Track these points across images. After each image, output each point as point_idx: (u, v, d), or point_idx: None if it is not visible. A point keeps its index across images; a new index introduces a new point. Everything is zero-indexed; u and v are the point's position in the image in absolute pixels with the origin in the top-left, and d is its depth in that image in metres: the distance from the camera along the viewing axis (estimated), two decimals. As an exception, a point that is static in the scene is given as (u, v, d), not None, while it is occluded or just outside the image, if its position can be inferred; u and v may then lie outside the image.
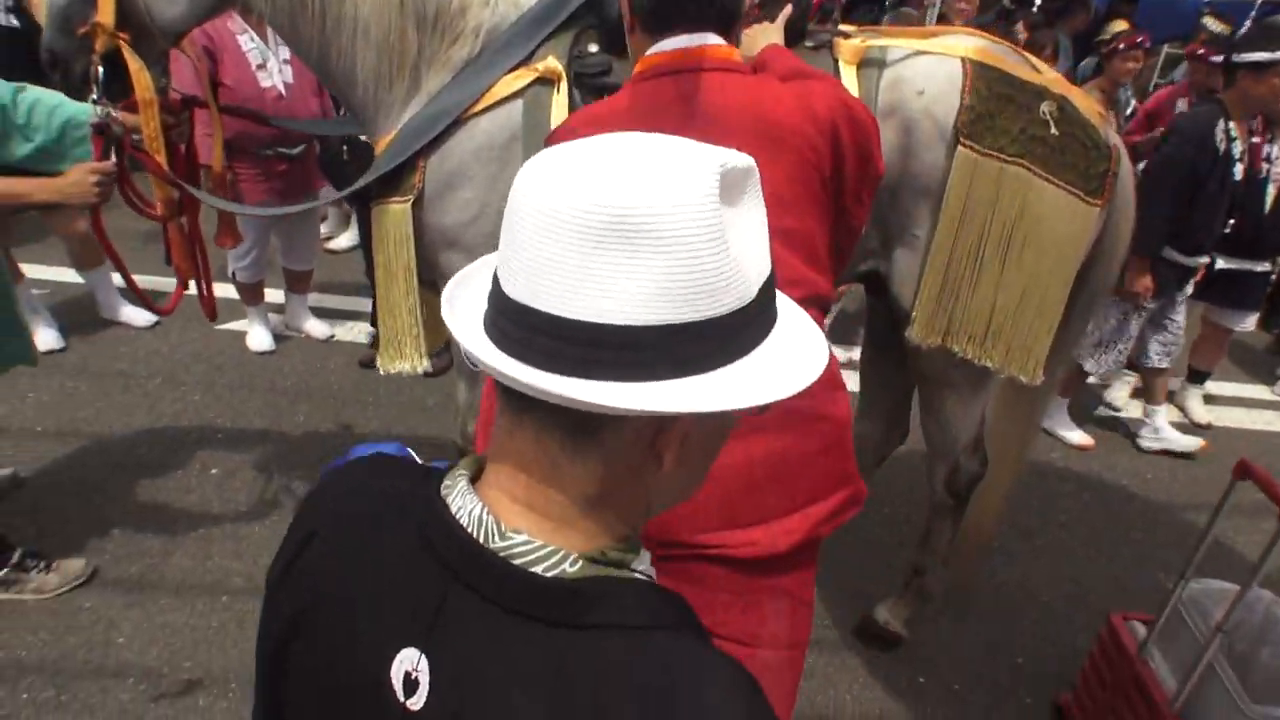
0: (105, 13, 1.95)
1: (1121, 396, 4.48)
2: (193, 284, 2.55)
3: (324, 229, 5.15)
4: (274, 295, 4.20)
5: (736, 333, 0.60)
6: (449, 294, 0.69)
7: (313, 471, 3.12)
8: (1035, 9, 7.01)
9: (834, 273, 1.65)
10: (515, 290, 0.60)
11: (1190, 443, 4.09)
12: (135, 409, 3.50)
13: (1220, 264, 3.85)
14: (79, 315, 4.14)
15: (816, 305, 1.51)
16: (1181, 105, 4.73)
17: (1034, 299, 2.11)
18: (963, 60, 2.07)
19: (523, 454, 0.64)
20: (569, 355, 0.57)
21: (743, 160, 0.62)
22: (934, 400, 2.40)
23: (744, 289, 0.60)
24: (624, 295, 0.56)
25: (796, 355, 0.66)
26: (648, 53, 1.50)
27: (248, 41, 3.35)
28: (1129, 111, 5.05)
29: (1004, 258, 2.07)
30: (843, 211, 1.61)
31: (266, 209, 3.28)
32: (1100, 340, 3.92)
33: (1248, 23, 6.27)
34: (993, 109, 2.04)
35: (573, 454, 0.62)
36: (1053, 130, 2.06)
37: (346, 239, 5.24)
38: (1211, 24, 5.70)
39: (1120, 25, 5.83)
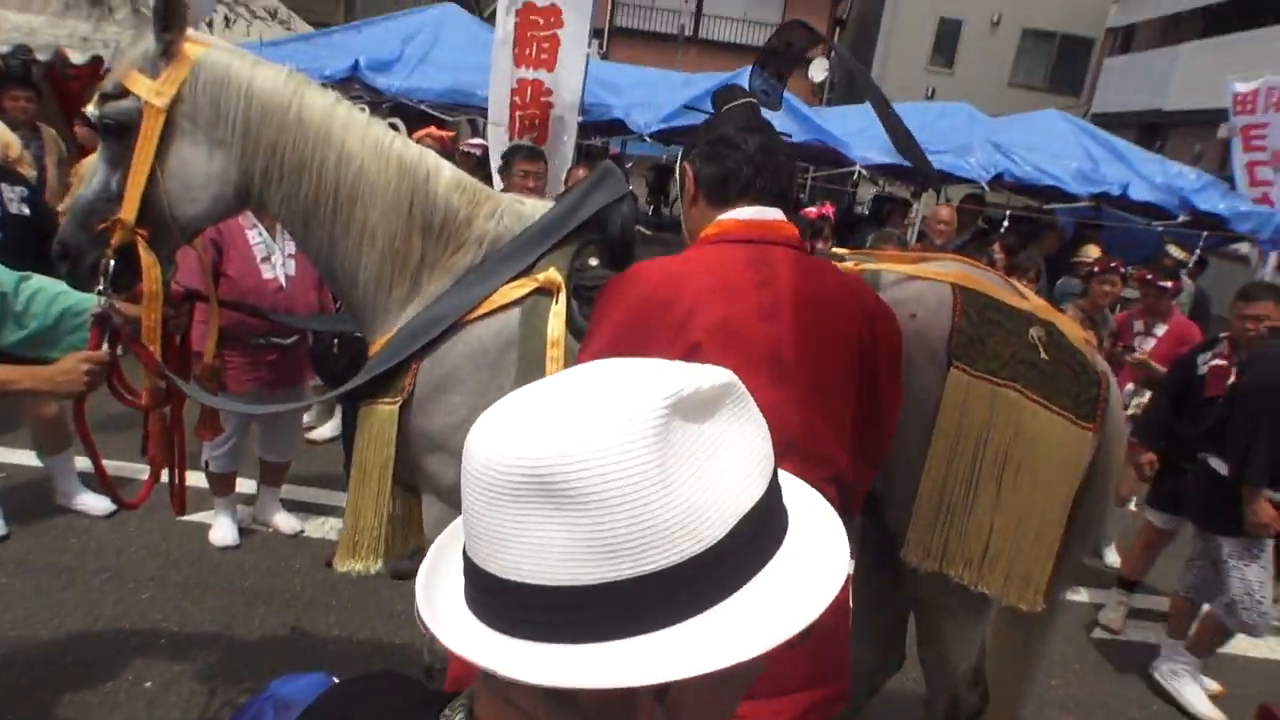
0: (129, 210, 1.99)
1: (1117, 619, 4.32)
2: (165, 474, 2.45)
3: (306, 418, 5.10)
4: (245, 484, 4.06)
5: (697, 581, 0.55)
6: (430, 557, 0.68)
7: (261, 683, 2.85)
8: (1004, 229, 7.47)
9: (863, 466, 1.66)
10: (470, 548, 0.59)
11: (1206, 688, 3.80)
12: (73, 610, 3.25)
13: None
14: (30, 502, 3.94)
15: (836, 485, 1.51)
16: (1138, 325, 5.02)
17: (1031, 523, 2.05)
18: (952, 286, 2.13)
19: (504, 706, 0.61)
20: (516, 617, 0.55)
21: (711, 378, 0.58)
22: (931, 627, 2.30)
23: (704, 532, 0.55)
24: (549, 554, 0.53)
25: (797, 587, 0.59)
26: (720, 218, 1.61)
27: (255, 236, 3.47)
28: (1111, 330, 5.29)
29: (999, 480, 2.03)
30: (877, 407, 1.64)
31: (256, 406, 3.25)
32: (1231, 603, 3.55)
33: (1197, 250, 6.74)
34: (983, 333, 2.07)
35: (547, 714, 0.58)
36: (1043, 355, 2.08)
37: (329, 429, 5.18)
38: (1174, 251, 6.18)
39: (1094, 250, 6.25)
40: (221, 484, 3.82)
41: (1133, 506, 4.58)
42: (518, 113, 6.57)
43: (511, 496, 0.54)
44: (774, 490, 0.62)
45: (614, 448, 0.53)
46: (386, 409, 2.08)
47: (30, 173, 4.84)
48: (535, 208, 2.23)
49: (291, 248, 3.52)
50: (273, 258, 3.48)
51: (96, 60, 6.11)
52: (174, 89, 1.96)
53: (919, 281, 2.16)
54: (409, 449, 2.12)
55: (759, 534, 0.59)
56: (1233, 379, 3.66)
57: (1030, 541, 2.05)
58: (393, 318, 2.15)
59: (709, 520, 0.55)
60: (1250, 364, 3.60)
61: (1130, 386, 4.88)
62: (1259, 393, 3.45)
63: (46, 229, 2.86)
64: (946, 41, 20.34)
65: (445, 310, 2.09)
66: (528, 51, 6.52)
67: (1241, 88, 7.46)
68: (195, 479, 3.59)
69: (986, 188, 7.67)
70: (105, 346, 2.11)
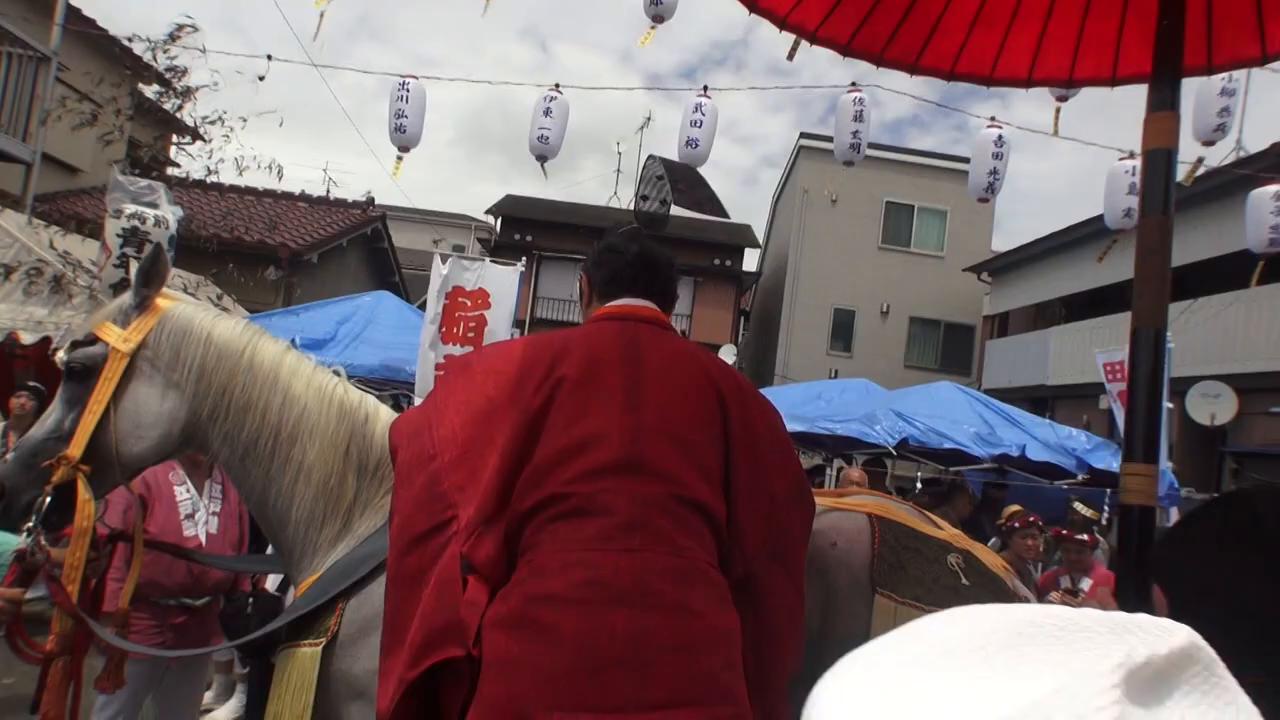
0: (78, 447, 2.03)
1: None
2: None
3: (206, 697, 4.67)
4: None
5: None
6: None
7: None
8: (918, 492, 7.77)
9: (755, 547, 1.64)
10: None
11: None
12: None
13: None
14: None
15: (700, 514, 1.54)
16: (1065, 581, 5.18)
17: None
18: (869, 515, 2.23)
19: None
20: None
21: (1166, 639, 0.42)
22: None
23: None
24: None
25: None
26: (599, 309, 1.84)
27: (183, 492, 3.42)
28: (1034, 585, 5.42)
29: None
30: (766, 471, 1.69)
31: (163, 650, 3.07)
32: None
33: (1105, 508, 7.10)
34: (903, 560, 2.14)
35: None
36: (964, 580, 2.15)
37: (226, 711, 4.73)
38: (1082, 508, 6.51)
39: (1015, 508, 6.56)
40: (104, 772, 3.38)
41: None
42: (444, 386, 6.84)
43: None
44: None
45: None
46: (308, 651, 1.99)
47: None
48: (472, 448, 2.31)
49: (216, 505, 3.47)
50: (196, 514, 3.41)
51: (45, 340, 6.35)
52: (141, 336, 2.11)
53: (836, 512, 2.26)
54: (327, 697, 2.00)
55: None
56: None
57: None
58: (321, 557, 2.13)
59: None
60: None
61: None
62: None
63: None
64: (843, 329, 22.26)
65: (375, 548, 2.08)
66: (455, 330, 6.93)
67: (1109, 358, 8.32)
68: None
69: (894, 452, 8.09)
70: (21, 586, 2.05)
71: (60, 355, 2.13)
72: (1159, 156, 1.48)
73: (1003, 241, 21.67)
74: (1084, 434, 8.27)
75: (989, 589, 2.16)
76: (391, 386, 8.04)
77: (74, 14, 10.02)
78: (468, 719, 1.42)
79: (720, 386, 1.71)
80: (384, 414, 2.27)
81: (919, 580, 2.11)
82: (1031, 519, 5.32)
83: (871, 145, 7.03)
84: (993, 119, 7.27)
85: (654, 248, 1.95)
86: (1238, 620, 0.72)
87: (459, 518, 1.52)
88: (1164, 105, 1.50)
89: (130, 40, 8.37)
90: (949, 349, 22.42)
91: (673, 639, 1.40)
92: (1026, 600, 2.20)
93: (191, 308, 2.21)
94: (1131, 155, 7.34)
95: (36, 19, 9.90)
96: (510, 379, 1.63)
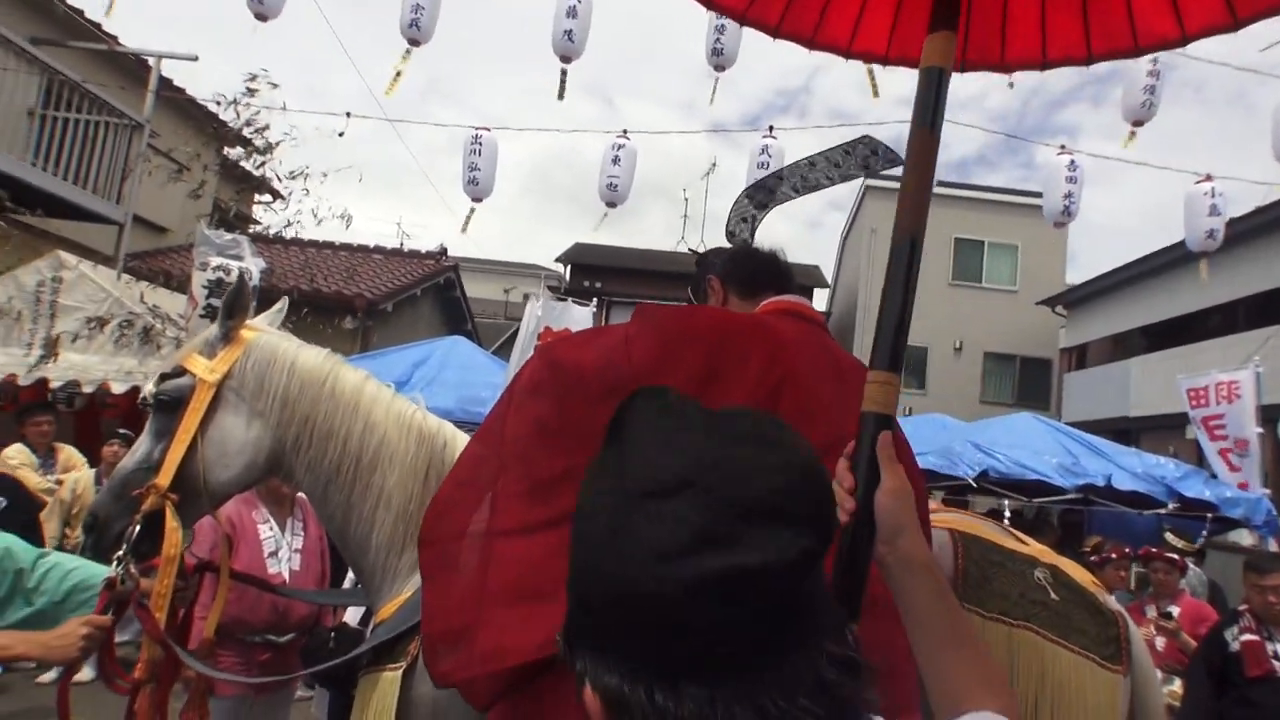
0: (166, 476, 2.10)
1: None
2: None
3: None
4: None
5: None
6: None
7: None
8: (1006, 521, 7.51)
9: None
10: None
11: None
12: None
13: None
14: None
15: None
16: (1150, 611, 4.95)
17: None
18: (949, 531, 2.17)
19: None
20: None
21: None
22: None
23: None
24: None
25: None
26: (769, 300, 1.82)
27: (266, 530, 3.52)
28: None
29: (1037, 736, 1.91)
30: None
31: (249, 678, 3.16)
32: None
33: (1201, 539, 6.75)
34: (988, 574, 2.07)
35: None
36: (1052, 595, 2.06)
37: (309, 752, 4.79)
38: (1173, 539, 6.22)
39: (1096, 540, 6.29)
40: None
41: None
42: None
43: None
44: None
45: None
46: (390, 674, 2.01)
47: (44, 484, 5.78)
48: (548, 474, 2.33)
49: (298, 542, 3.55)
50: (280, 552, 3.50)
51: (134, 390, 6.70)
52: (227, 366, 2.18)
53: (919, 527, 2.21)
54: None
55: None
56: None
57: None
58: (401, 582, 2.16)
59: None
60: None
61: (1159, 674, 4.67)
62: None
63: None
64: (915, 366, 21.77)
65: None
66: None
67: (1193, 384, 7.99)
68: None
69: (974, 484, 7.84)
70: (110, 613, 2.07)
71: (149, 388, 2.21)
72: (933, 74, 1.46)
73: (1076, 275, 21.05)
74: (1172, 462, 7.87)
75: (1079, 603, 2.07)
76: (468, 427, 8.14)
77: (164, 83, 10.79)
78: None
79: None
80: (461, 439, 2.31)
81: (1004, 594, 2.04)
82: (1127, 550, 5.11)
83: (938, 183, 6.98)
84: (1063, 147, 7.18)
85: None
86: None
87: None
88: (943, 25, 1.48)
89: (218, 103, 9.01)
90: (1025, 383, 21.75)
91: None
92: (1117, 614, 2.10)
93: (275, 338, 2.29)
94: (1208, 178, 7.14)
95: (131, 87, 10.65)
96: (719, 355, 1.52)
